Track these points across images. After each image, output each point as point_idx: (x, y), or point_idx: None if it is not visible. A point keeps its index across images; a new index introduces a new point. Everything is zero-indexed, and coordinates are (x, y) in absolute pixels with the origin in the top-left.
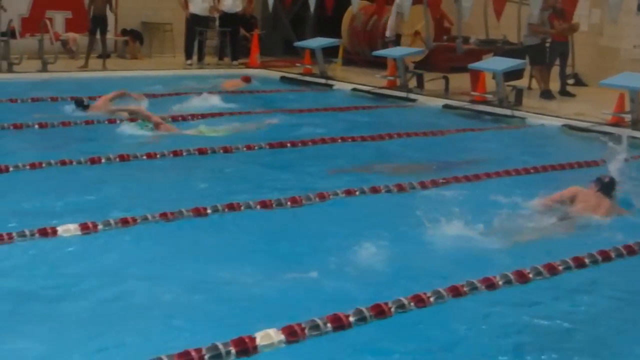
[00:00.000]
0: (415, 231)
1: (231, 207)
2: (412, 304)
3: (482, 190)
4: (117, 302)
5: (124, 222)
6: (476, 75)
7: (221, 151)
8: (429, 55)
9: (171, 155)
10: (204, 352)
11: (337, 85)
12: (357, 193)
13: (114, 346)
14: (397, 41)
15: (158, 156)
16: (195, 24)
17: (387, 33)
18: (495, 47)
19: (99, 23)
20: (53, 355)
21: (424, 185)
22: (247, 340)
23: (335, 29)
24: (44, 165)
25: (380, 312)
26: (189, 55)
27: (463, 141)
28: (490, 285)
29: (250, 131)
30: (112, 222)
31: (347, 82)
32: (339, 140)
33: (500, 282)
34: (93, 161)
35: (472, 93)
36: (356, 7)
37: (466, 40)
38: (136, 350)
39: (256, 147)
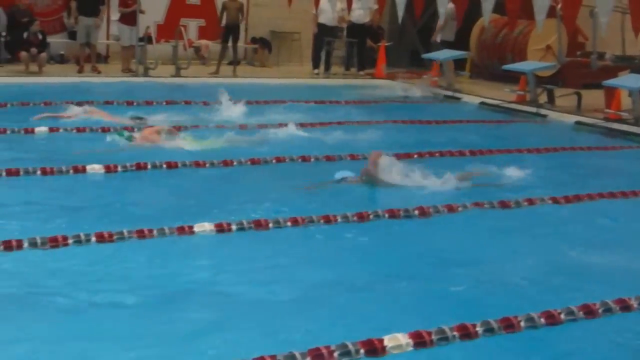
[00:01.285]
0: (552, 245)
1: (360, 216)
2: (542, 319)
3: (623, 209)
4: (246, 299)
5: (257, 224)
6: (611, 93)
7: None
8: (561, 71)
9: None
10: (333, 348)
11: (465, 98)
12: (486, 206)
13: (245, 341)
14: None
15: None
16: (324, 34)
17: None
18: (632, 63)
19: (231, 31)
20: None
21: (567, 200)
22: (375, 342)
23: (463, 41)
24: (179, 165)
25: (508, 325)
26: (316, 65)
27: (598, 159)
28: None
29: (379, 140)
30: (245, 223)
31: (475, 95)
32: (467, 154)
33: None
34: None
35: (607, 110)
36: (487, 19)
37: (601, 56)
38: (264, 345)
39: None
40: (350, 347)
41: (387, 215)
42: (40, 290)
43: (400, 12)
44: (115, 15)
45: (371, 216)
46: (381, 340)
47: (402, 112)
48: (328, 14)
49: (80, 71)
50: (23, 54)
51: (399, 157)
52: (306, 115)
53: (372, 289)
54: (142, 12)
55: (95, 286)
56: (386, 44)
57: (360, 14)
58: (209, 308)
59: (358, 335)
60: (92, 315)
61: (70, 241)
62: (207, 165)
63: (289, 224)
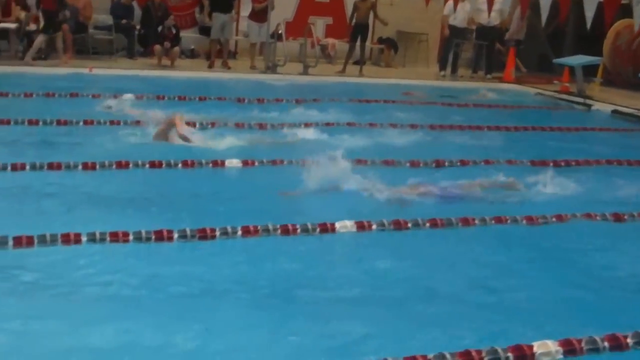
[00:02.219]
0: None
1: (498, 220)
2: None
3: None
4: (383, 298)
5: (396, 224)
6: None
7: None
8: None
9: None
10: (483, 354)
11: (596, 105)
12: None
13: (392, 340)
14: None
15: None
16: (453, 36)
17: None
18: None
19: (360, 31)
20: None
21: None
22: (525, 348)
23: (594, 47)
24: (284, 162)
25: None
26: (443, 66)
27: None
28: None
29: (506, 147)
30: (385, 222)
31: (607, 103)
32: (593, 164)
33: None
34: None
35: None
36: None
37: None
38: (413, 345)
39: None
40: (500, 352)
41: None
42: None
43: (545, 15)
44: (245, 12)
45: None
46: (531, 347)
47: (531, 118)
48: (459, 15)
49: (210, 66)
50: (157, 47)
51: (534, 164)
52: (429, 117)
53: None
54: (272, 7)
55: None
56: (515, 48)
57: (490, 16)
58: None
59: (506, 341)
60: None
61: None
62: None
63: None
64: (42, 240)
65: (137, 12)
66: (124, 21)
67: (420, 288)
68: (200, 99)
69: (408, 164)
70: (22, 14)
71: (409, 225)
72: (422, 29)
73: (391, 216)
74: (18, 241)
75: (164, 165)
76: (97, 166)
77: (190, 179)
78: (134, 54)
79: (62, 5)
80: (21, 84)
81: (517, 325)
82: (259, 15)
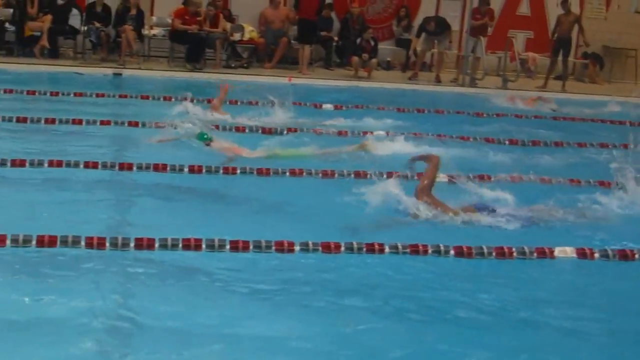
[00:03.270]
0: None
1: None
2: None
3: None
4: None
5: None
6: None
7: None
8: None
9: None
10: None
11: None
12: None
13: None
14: None
15: None
16: None
17: None
18: None
19: (562, 45)
20: None
21: None
22: None
23: None
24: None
25: None
26: None
27: None
28: None
29: None
30: (609, 252)
31: None
32: None
33: None
34: None
35: None
36: None
37: None
38: None
39: None
40: None
41: None
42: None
43: None
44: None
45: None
46: None
47: None
48: None
49: (412, 77)
50: (355, 59)
51: None
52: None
53: None
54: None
55: None
56: None
57: None
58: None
59: None
60: None
61: None
62: None
63: None
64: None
65: (336, 24)
66: (323, 33)
67: None
68: (398, 109)
69: None
70: (228, 25)
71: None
72: (630, 44)
73: None
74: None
75: None
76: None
77: None
78: (331, 65)
79: None
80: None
81: None
82: (478, 30)
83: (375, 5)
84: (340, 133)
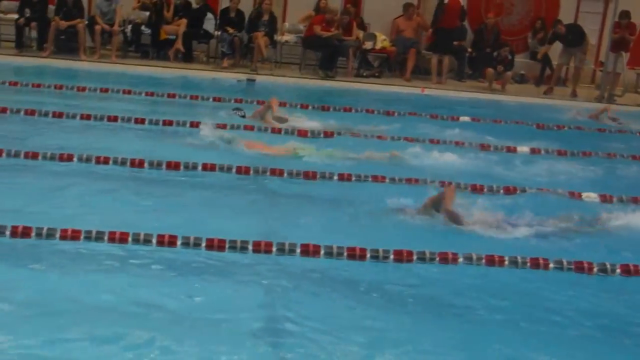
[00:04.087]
0: None
1: None
2: None
3: None
4: None
5: None
6: None
7: None
8: None
9: None
10: None
11: None
12: None
13: None
14: None
15: None
16: None
17: None
18: None
19: None
20: None
21: None
22: None
23: None
24: None
25: None
26: None
27: None
28: None
29: None
30: None
31: None
32: None
33: None
34: None
35: None
36: None
37: None
38: None
39: None
40: None
41: None
42: None
43: None
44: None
45: None
46: None
47: None
48: None
49: (547, 92)
50: (489, 71)
51: None
52: None
53: None
54: None
55: None
56: None
57: None
58: None
59: None
60: None
61: None
62: None
63: None
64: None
65: (469, 35)
66: (455, 43)
67: None
68: (538, 126)
69: None
70: (361, 33)
71: None
72: None
73: None
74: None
75: None
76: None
77: None
78: (463, 76)
79: None
80: (359, 100)
81: None
82: (619, 44)
83: (511, 17)
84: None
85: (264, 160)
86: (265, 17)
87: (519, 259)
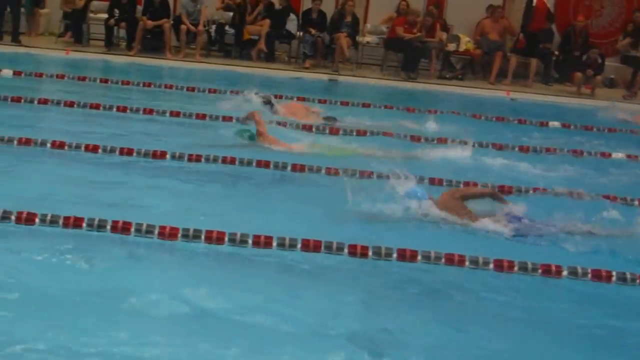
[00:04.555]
0: None
1: None
2: None
3: None
4: None
5: None
6: None
7: None
8: None
9: None
10: None
11: None
12: None
13: None
14: None
15: None
16: None
17: None
18: None
19: None
20: None
21: None
22: None
23: None
24: None
25: None
26: None
27: None
28: None
29: None
30: None
31: None
32: None
33: None
34: None
35: None
36: None
37: None
38: None
39: None
40: None
41: None
42: None
43: None
44: None
45: None
46: None
47: None
48: None
49: (626, 97)
50: (577, 75)
51: None
52: None
53: None
54: None
55: None
56: None
57: None
58: None
59: None
60: None
61: None
62: None
63: None
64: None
65: (557, 37)
66: (541, 45)
67: None
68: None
69: None
70: (444, 35)
71: None
72: None
73: None
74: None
75: None
76: None
77: None
78: (549, 80)
79: None
80: (444, 101)
81: None
82: None
83: (601, 19)
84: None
85: None
86: (348, 19)
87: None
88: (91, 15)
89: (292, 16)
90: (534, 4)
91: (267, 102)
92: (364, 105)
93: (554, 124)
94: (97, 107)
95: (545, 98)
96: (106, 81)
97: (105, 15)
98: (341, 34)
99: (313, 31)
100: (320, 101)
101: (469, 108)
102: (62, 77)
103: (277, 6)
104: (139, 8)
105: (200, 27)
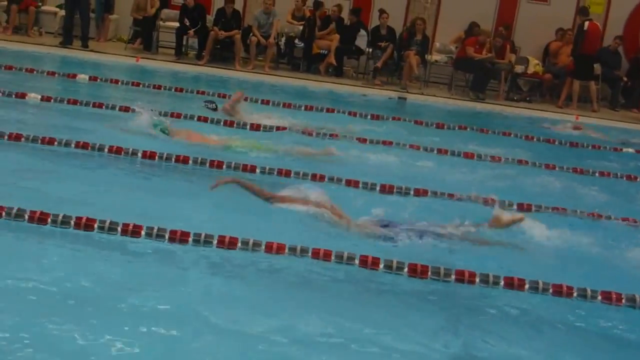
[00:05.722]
0: None
1: None
2: None
3: None
4: None
5: None
6: None
7: None
8: None
9: None
10: None
11: None
12: None
13: None
14: None
15: None
16: None
17: None
18: None
19: None
20: None
21: None
22: None
23: None
24: None
25: None
26: None
27: None
28: None
29: None
30: None
31: None
32: None
33: None
34: None
35: None
36: None
37: None
38: None
39: None
40: None
41: None
42: None
43: None
44: None
45: None
46: None
47: None
48: None
49: None
50: None
51: None
52: None
53: None
54: None
55: None
56: None
57: None
58: None
59: None
60: None
61: None
62: None
63: None
64: None
65: (625, 63)
66: (602, 69)
67: None
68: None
69: None
70: (513, 57)
71: None
72: None
73: None
74: None
75: None
76: None
77: None
78: (617, 105)
79: None
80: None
81: None
82: None
83: None
84: None
85: None
86: (418, 37)
87: None
88: (160, 22)
89: (363, 32)
90: (586, 27)
91: (213, 109)
92: (437, 125)
93: (628, 149)
94: (178, 116)
95: (611, 124)
96: (180, 90)
97: (175, 24)
98: (410, 52)
99: (383, 44)
100: (394, 118)
101: (539, 131)
102: (137, 84)
103: (346, 21)
104: (209, 18)
105: (271, 40)
